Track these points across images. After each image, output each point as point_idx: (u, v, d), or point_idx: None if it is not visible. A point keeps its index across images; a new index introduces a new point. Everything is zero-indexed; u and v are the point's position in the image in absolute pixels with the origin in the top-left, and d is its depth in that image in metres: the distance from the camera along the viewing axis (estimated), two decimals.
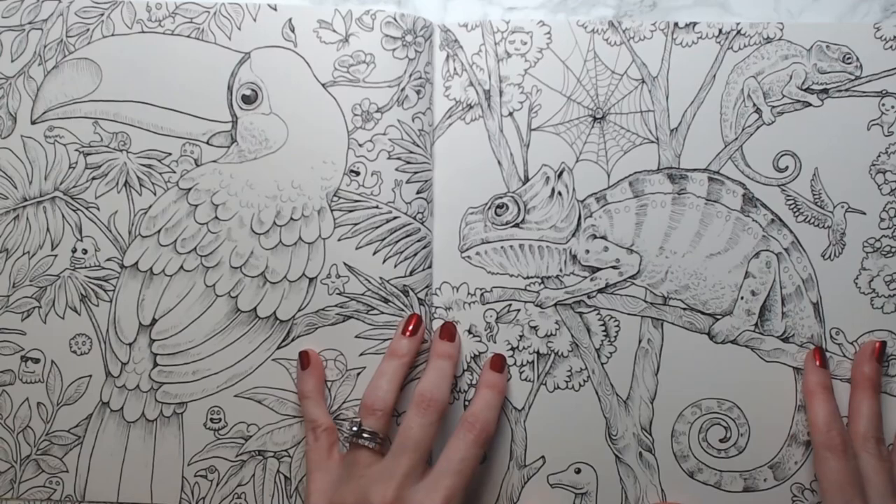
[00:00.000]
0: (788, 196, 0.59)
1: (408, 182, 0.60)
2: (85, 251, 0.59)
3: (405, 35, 0.60)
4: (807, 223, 0.59)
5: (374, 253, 0.59)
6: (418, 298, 0.59)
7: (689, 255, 0.59)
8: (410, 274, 0.59)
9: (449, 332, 0.58)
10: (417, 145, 0.60)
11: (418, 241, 0.60)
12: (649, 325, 0.59)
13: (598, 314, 0.59)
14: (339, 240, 0.59)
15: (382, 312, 0.59)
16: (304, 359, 0.58)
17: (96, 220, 0.59)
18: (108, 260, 0.59)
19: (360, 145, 0.59)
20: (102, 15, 0.60)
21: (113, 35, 0.60)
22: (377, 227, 0.59)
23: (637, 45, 0.60)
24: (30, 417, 0.59)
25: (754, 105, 0.60)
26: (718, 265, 0.59)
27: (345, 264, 0.59)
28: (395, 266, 0.59)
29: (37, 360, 0.59)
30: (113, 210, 0.60)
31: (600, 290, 0.59)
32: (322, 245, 0.59)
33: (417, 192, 0.60)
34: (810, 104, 0.60)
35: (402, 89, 0.60)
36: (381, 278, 0.59)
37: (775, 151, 0.60)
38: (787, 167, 0.59)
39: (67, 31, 0.59)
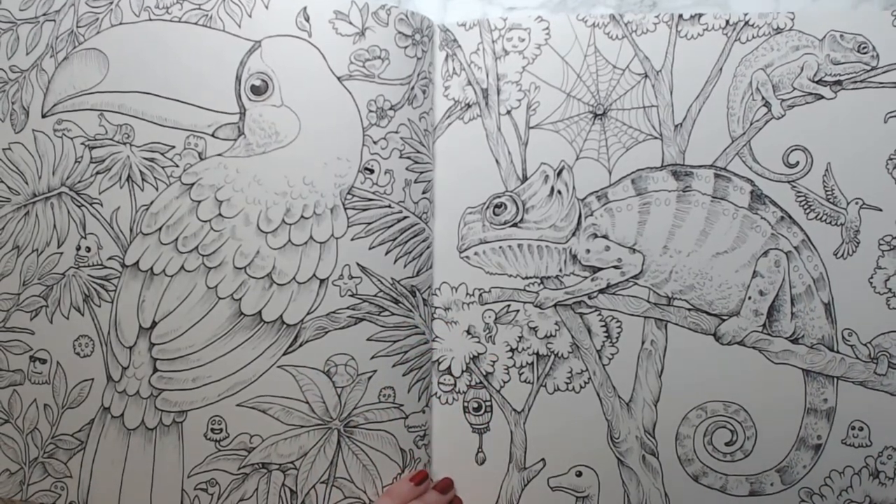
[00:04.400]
0: (799, 192, 0.54)
1: (416, 182, 0.56)
2: (88, 249, 0.55)
3: (415, 34, 0.56)
4: (818, 220, 0.54)
5: (387, 253, 0.55)
6: (423, 299, 0.56)
7: (695, 254, 0.54)
8: (417, 274, 0.56)
9: (444, 486, 0.55)
10: (423, 145, 0.56)
11: (423, 241, 0.56)
12: (653, 325, 0.54)
13: (600, 315, 0.54)
14: (352, 239, 0.54)
15: (393, 314, 0.55)
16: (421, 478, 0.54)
17: (99, 217, 0.55)
18: (110, 258, 0.55)
19: (375, 142, 0.55)
20: (112, 3, 0.55)
21: (121, 24, 0.55)
22: (389, 227, 0.55)
23: (640, 39, 0.55)
24: (37, 419, 0.55)
25: (763, 98, 0.55)
26: (725, 264, 0.53)
27: (358, 265, 0.54)
28: (405, 266, 0.55)
29: (44, 361, 0.55)
30: (115, 206, 0.55)
31: (601, 291, 0.54)
32: (335, 244, 0.54)
33: (423, 192, 0.56)
34: (823, 97, 0.55)
35: (412, 88, 0.56)
36: (392, 279, 0.55)
37: (785, 146, 0.54)
38: (797, 162, 0.55)
39: (78, 22, 0.55)
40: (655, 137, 0.55)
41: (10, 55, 0.56)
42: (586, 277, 0.55)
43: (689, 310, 0.54)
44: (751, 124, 0.54)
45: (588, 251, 0.55)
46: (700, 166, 0.55)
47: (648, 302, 0.54)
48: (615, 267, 0.55)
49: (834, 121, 0.54)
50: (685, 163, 0.55)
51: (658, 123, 0.55)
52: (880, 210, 0.54)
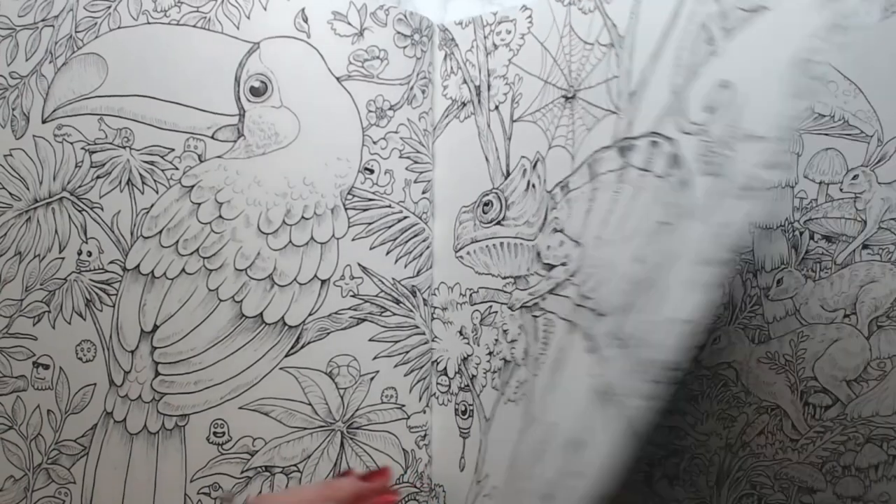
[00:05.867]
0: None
1: (415, 182, 0.56)
2: (90, 253, 0.53)
3: (414, 34, 0.56)
4: None
5: (388, 253, 0.55)
6: (423, 299, 0.56)
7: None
8: (417, 274, 0.56)
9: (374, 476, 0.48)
10: (422, 144, 0.56)
11: (423, 240, 0.56)
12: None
13: (545, 318, 0.47)
14: (353, 239, 0.55)
15: (395, 314, 0.55)
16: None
17: (100, 221, 0.53)
18: (112, 262, 0.52)
19: (375, 142, 0.56)
20: (110, 7, 0.54)
21: (119, 28, 0.53)
22: (390, 227, 0.55)
23: (609, 6, 0.48)
24: (41, 425, 0.52)
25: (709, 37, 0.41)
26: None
27: (359, 265, 0.55)
28: (405, 266, 0.55)
29: (47, 367, 0.52)
30: (116, 210, 0.53)
31: (550, 291, 0.47)
32: (336, 245, 0.55)
33: (422, 192, 0.56)
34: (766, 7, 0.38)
35: (411, 88, 0.56)
36: (393, 279, 0.55)
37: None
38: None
39: (76, 26, 0.53)
40: (613, 112, 0.46)
41: (10, 61, 0.54)
42: (543, 276, 0.49)
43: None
44: (695, 73, 0.42)
45: (548, 247, 0.49)
46: (640, 136, 0.44)
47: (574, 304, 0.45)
48: (563, 264, 0.47)
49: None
50: (633, 134, 0.45)
51: (616, 96, 0.46)
52: None
